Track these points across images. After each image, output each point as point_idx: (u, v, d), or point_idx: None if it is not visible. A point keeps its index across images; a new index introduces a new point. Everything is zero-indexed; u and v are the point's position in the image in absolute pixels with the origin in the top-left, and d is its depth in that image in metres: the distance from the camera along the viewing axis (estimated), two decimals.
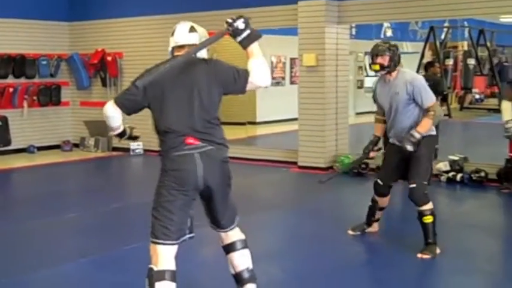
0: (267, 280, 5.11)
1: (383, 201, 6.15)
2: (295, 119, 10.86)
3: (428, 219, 5.57)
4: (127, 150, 12.49)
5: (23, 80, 12.49)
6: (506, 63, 16.57)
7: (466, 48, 15.92)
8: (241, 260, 4.30)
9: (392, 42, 5.88)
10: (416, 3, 9.43)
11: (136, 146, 12.42)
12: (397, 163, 5.82)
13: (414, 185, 5.57)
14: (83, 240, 6.43)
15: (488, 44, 16.11)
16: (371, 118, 11.74)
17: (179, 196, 3.94)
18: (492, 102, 18.08)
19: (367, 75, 18.27)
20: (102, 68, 12.98)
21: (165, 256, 3.96)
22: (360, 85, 19.41)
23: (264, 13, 10.75)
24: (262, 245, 6.48)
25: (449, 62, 12.78)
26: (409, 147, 5.46)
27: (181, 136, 3.91)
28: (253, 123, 16.48)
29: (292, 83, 17.53)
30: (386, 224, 7.52)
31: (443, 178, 9.12)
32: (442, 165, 9.12)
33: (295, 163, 10.44)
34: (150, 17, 12.30)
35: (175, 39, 4.09)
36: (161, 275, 3.88)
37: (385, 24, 15.12)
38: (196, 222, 4.18)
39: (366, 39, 14.36)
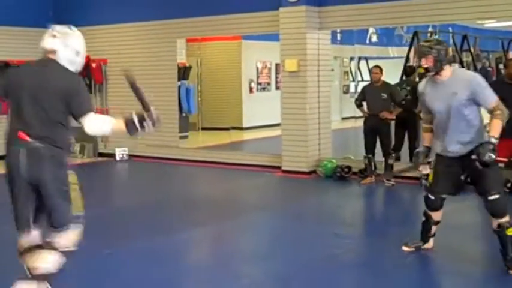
0: (249, 282, 5.19)
1: (437, 215, 5.67)
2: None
3: (510, 231, 5.12)
4: (112, 155, 12.54)
5: None
6: (489, 68, 16.76)
7: (450, 53, 16.08)
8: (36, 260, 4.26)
9: (439, 38, 5.61)
10: (397, 9, 9.54)
11: (121, 151, 12.47)
12: (450, 175, 5.34)
13: (496, 196, 5.10)
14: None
15: (472, 49, 16.29)
16: (356, 123, 11.93)
17: (12, 188, 4.18)
18: None
19: (353, 80, 18.37)
20: (87, 75, 13.01)
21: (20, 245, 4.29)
22: (346, 90, 19.49)
23: (246, 19, 10.86)
24: (245, 247, 6.58)
25: None
26: (489, 158, 4.89)
27: (15, 131, 4.11)
28: (240, 128, 16.55)
29: (277, 88, 17.50)
30: (370, 225, 7.63)
31: (424, 182, 9.20)
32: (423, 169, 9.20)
33: (279, 168, 10.52)
34: (133, 24, 12.37)
35: (41, 44, 4.32)
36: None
37: (371, 30, 15.23)
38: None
39: (351, 44, 14.48)
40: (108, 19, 12.68)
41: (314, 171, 10.17)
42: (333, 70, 13.99)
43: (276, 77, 17.83)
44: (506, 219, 5.14)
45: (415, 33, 12.93)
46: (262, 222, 7.56)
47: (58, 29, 4.39)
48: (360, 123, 9.97)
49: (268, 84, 17.87)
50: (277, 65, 17.55)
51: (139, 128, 4.26)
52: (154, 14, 11.99)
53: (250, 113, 16.86)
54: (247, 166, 11.06)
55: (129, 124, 4.25)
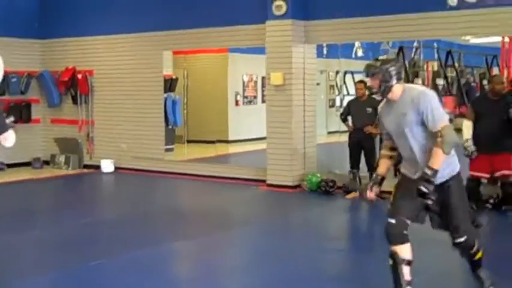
0: None
1: (404, 251, 4.54)
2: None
3: (479, 255, 4.82)
4: (98, 167, 12.49)
5: None
6: (473, 84, 16.93)
7: (435, 68, 16.23)
8: None
9: (389, 56, 5.29)
10: (383, 24, 9.60)
11: (107, 163, 12.43)
12: (414, 196, 4.47)
13: (462, 239, 4.63)
14: (46, 256, 6.44)
15: (456, 64, 16.45)
16: (341, 137, 11.98)
17: None
18: (461, 122, 18.32)
19: (339, 94, 18.45)
20: (72, 86, 12.99)
21: None
22: (332, 104, 19.57)
23: (232, 32, 10.90)
24: (230, 261, 6.58)
25: (418, 81, 13.00)
26: (424, 189, 4.36)
27: None
28: (225, 141, 16.56)
29: (264, 101, 17.58)
30: (355, 240, 7.64)
31: None
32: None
33: (264, 181, 10.53)
34: (120, 35, 12.35)
35: None
36: None
37: (356, 44, 15.33)
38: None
39: (336, 58, 14.55)
40: (94, 30, 12.67)
41: (299, 185, 10.18)
42: (318, 84, 14.06)
43: (262, 90, 17.87)
44: (476, 248, 4.77)
45: (401, 48, 13.05)
46: (247, 236, 7.55)
47: None
48: (345, 137, 10.00)
49: (255, 97, 17.91)
50: (263, 78, 17.60)
51: None
52: (141, 26, 12.00)
53: (236, 126, 16.88)
54: (232, 179, 11.05)
55: None
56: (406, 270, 4.50)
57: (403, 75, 4.71)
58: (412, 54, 14.48)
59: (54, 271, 5.86)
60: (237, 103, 17.24)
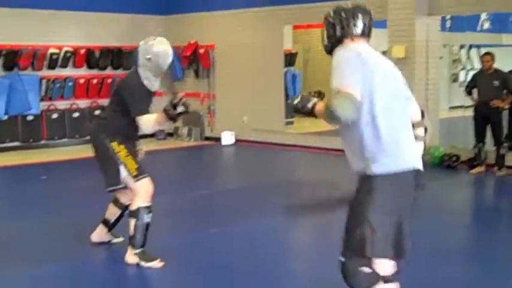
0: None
1: None
2: None
3: None
4: (218, 139, 12.78)
5: (120, 72, 12.97)
6: None
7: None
8: None
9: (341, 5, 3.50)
10: None
11: (228, 135, 12.69)
12: None
13: (342, 259, 3.38)
14: (171, 222, 6.68)
15: None
16: (465, 112, 11.59)
17: None
18: None
19: (463, 69, 17.86)
20: (195, 60, 13.32)
21: None
22: (455, 79, 18.99)
23: None
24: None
25: None
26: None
27: None
28: None
29: None
30: (479, 216, 7.41)
31: None
32: None
33: None
34: (241, 10, 12.53)
35: None
36: None
37: (483, 16, 14.75)
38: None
39: (461, 31, 14.08)
40: (216, 5, 12.90)
41: None
42: (441, 58, 13.65)
43: None
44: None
45: None
46: None
47: None
48: (469, 112, 9.69)
49: None
50: (383, 52, 17.33)
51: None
52: (262, 1, 12.09)
53: None
54: None
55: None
56: None
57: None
58: None
59: (177, 236, 6.08)
60: None
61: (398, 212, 3.37)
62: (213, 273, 4.99)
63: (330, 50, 3.45)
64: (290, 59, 13.61)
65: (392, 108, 3.29)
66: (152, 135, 13.46)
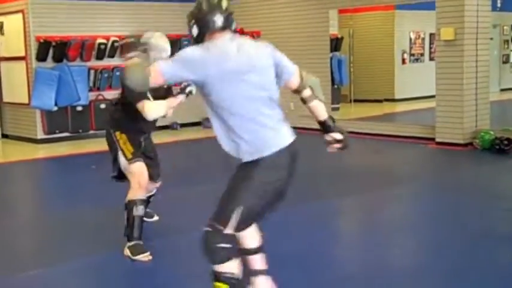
0: (400, 252, 5.17)
1: None
2: (435, 96, 10.60)
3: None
4: None
5: None
6: None
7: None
8: None
9: None
10: None
11: None
12: None
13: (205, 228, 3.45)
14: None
15: None
16: None
17: None
18: None
19: None
20: None
21: None
22: (505, 60, 18.61)
23: None
24: (396, 217, 6.51)
25: None
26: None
27: None
28: (392, 100, 16.26)
29: (431, 59, 17.08)
30: None
31: None
32: None
33: (432, 139, 10.25)
34: None
35: None
36: None
37: None
38: None
39: None
40: None
41: (470, 143, 9.81)
42: (492, 39, 13.36)
43: (430, 47, 17.31)
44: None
45: None
46: (415, 193, 7.41)
47: None
48: None
49: (422, 55, 17.37)
50: (431, 34, 17.05)
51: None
52: None
53: (402, 85, 16.51)
54: (399, 137, 10.86)
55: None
56: None
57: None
58: None
59: None
60: (403, 61, 16.83)
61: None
62: None
63: None
64: (336, 43, 13.49)
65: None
66: (199, 123, 13.54)
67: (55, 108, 11.90)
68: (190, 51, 3.39)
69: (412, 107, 15.17)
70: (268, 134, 3.46)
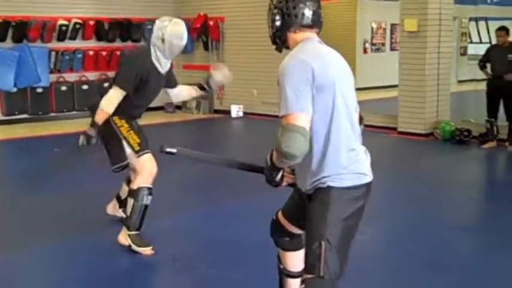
0: (369, 238, 5.22)
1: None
2: (395, 86, 10.73)
3: None
4: (228, 112, 12.76)
5: (129, 44, 12.93)
6: None
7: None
8: None
9: None
10: None
11: (237, 108, 12.68)
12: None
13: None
14: (183, 196, 6.69)
15: None
16: (474, 86, 11.55)
17: None
18: None
19: (471, 42, 17.77)
20: (204, 32, 13.25)
21: None
22: (463, 52, 18.91)
23: None
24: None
25: None
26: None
27: None
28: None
29: (392, 49, 17.29)
30: (492, 189, 7.40)
31: None
32: None
33: (394, 129, 10.38)
34: None
35: None
36: None
37: None
38: None
39: (471, 4, 13.96)
40: None
41: (431, 134, 9.97)
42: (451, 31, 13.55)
43: (391, 38, 17.50)
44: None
45: None
46: (376, 183, 7.43)
47: None
48: (481, 86, 9.66)
49: (383, 44, 17.57)
50: (392, 25, 17.24)
51: None
52: None
53: (364, 74, 16.64)
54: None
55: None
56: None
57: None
58: None
59: (192, 210, 6.10)
60: (365, 50, 16.99)
61: None
62: (223, 246, 5.01)
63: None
64: None
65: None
66: (161, 108, 13.47)
67: (14, 89, 11.68)
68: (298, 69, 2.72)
69: (373, 96, 15.30)
70: None
